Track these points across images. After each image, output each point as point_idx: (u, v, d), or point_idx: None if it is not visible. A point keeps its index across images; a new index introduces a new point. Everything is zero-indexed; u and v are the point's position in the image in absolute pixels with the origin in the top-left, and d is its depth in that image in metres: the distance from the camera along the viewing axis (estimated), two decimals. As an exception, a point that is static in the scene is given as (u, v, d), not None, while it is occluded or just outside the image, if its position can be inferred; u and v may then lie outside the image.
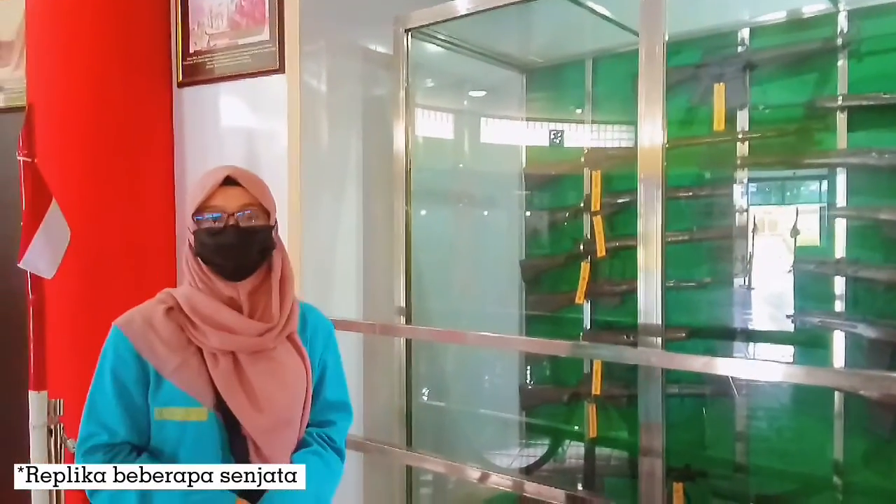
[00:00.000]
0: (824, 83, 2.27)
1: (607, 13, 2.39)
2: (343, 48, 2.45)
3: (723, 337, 2.48)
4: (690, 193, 2.43)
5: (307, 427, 1.39)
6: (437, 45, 2.59)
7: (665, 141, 1.76)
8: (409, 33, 2.37)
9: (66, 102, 2.31)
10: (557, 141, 2.90)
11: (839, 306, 2.22)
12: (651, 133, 1.77)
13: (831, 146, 2.21)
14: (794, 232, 2.32)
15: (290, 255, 2.30)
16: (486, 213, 3.06)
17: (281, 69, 2.30)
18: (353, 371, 2.48)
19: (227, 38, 2.41)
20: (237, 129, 2.49)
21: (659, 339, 1.78)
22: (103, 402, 1.25)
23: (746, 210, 2.40)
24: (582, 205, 2.73)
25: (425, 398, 2.64)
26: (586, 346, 2.00)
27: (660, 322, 1.78)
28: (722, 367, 1.72)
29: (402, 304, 2.44)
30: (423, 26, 2.36)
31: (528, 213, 2.94)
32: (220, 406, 1.25)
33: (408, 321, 2.46)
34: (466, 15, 2.21)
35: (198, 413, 1.24)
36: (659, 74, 1.76)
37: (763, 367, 1.63)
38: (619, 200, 2.64)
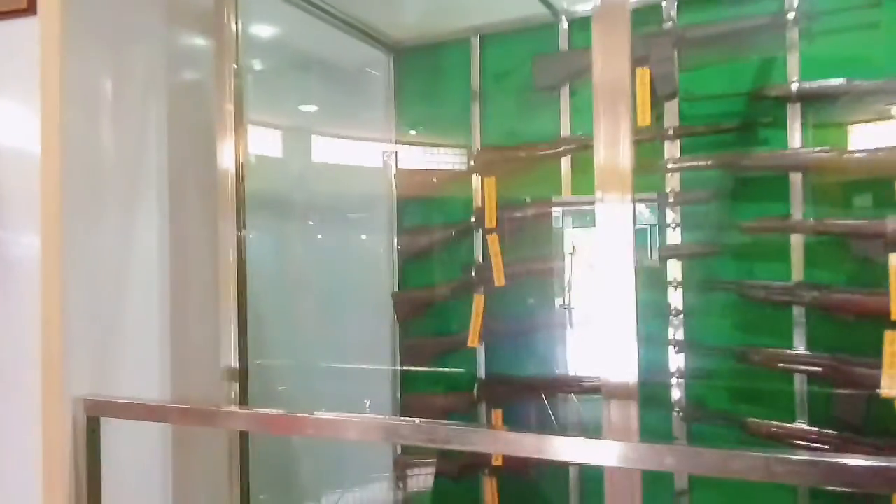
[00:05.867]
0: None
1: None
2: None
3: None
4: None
5: None
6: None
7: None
8: (234, -25, 1.65)
9: None
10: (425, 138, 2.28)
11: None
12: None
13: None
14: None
15: (45, 302, 1.50)
16: (344, 234, 2.37)
17: (31, 9, 1.47)
18: (158, 476, 1.67)
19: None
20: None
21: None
22: None
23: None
24: (472, 220, 2.13)
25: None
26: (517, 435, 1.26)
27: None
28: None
29: (233, 362, 1.73)
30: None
31: (400, 234, 2.29)
32: None
33: (242, 387, 1.76)
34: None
35: None
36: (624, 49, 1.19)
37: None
38: (519, 214, 2.07)
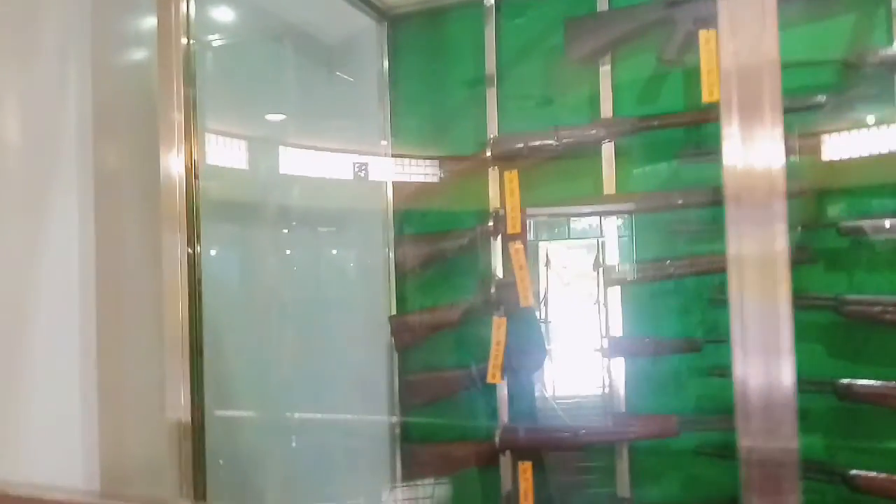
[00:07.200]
0: None
1: None
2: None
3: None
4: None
5: None
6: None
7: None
8: None
9: None
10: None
11: None
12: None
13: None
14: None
15: None
16: (328, 246, 1.94)
17: None
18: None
19: None
20: None
21: None
22: None
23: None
24: (490, 224, 1.71)
25: None
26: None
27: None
28: None
29: (184, 414, 1.32)
30: None
31: (398, 244, 1.86)
32: None
33: (196, 447, 1.35)
34: None
35: None
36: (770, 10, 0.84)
37: None
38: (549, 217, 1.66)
